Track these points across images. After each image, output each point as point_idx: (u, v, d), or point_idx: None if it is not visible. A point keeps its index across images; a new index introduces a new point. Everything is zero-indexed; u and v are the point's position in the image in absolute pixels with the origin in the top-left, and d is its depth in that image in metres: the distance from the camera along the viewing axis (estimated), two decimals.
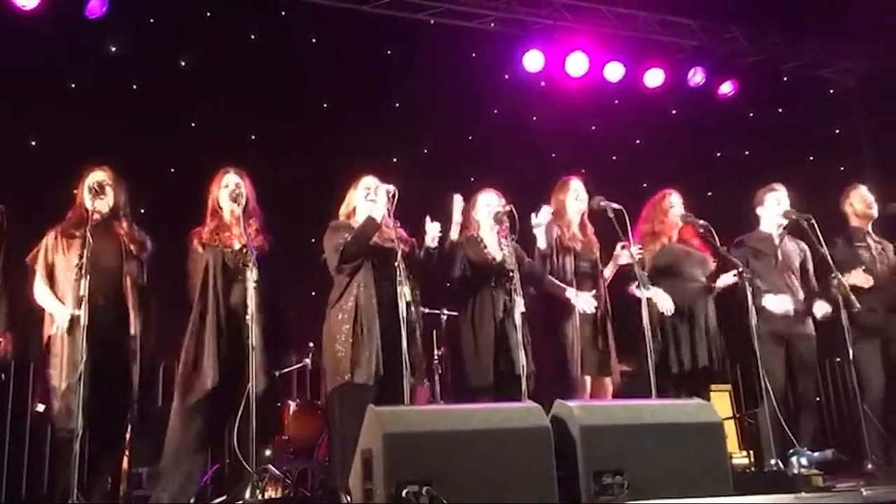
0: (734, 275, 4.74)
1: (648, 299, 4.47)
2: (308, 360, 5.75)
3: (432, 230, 4.25)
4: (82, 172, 4.24)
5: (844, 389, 6.36)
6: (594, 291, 4.63)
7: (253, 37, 6.88)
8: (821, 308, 4.94)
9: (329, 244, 4.29)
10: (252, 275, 3.89)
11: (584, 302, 4.57)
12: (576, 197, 4.85)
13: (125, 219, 4.24)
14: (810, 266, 5.15)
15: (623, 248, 4.63)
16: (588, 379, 4.62)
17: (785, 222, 5.11)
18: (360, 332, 4.09)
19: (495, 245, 4.66)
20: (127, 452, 4.58)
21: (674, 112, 8.06)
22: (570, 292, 4.60)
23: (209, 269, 4.15)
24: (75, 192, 4.29)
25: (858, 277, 5.03)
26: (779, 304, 4.88)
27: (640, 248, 4.71)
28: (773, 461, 4.40)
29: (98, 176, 4.19)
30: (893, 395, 5.07)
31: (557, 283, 4.65)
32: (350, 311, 4.14)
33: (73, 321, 3.89)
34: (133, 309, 4.08)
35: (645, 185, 7.02)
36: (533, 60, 7.48)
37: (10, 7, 5.85)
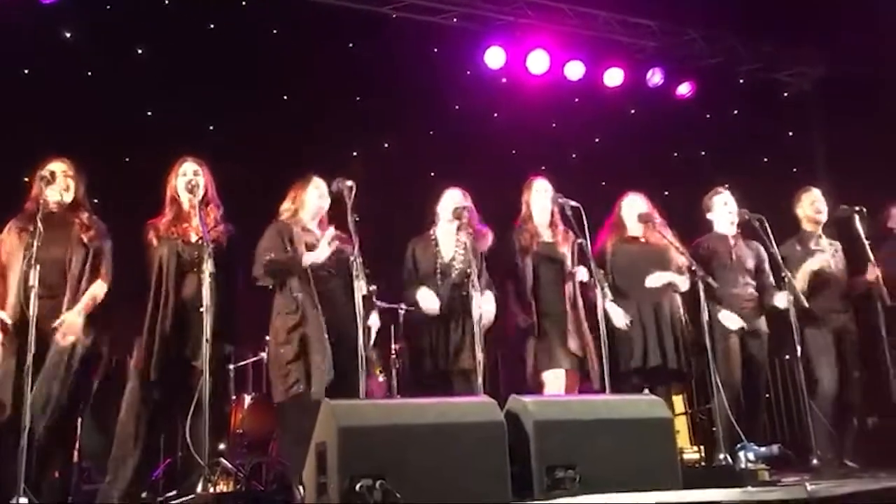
0: (689, 268, 4.79)
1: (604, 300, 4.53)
2: (264, 354, 5.69)
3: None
4: (39, 163, 4.16)
5: (794, 386, 6.49)
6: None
7: (212, 26, 6.80)
8: (781, 300, 4.97)
9: (261, 247, 4.26)
10: (208, 266, 3.85)
11: (523, 323, 4.62)
12: (544, 197, 4.87)
13: (83, 209, 4.18)
14: (766, 266, 5.23)
15: (580, 257, 4.69)
16: (562, 372, 4.61)
17: (737, 221, 5.21)
18: (309, 338, 4.07)
19: (450, 244, 4.66)
20: (77, 445, 4.50)
21: (632, 112, 8.14)
22: (522, 320, 4.64)
23: (162, 262, 4.13)
24: (26, 180, 4.21)
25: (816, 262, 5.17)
26: (731, 321, 4.95)
27: (602, 271, 4.72)
28: (721, 456, 4.49)
29: (53, 165, 4.12)
30: (843, 392, 5.19)
31: (518, 312, 4.68)
32: (296, 317, 4.11)
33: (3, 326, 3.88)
34: (67, 300, 4.00)
35: (603, 183, 7.11)
36: (494, 57, 7.50)
37: None
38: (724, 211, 5.23)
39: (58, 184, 4.10)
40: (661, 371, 4.81)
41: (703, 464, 5.46)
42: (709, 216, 5.32)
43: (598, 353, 4.50)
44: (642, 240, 5.04)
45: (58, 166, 4.13)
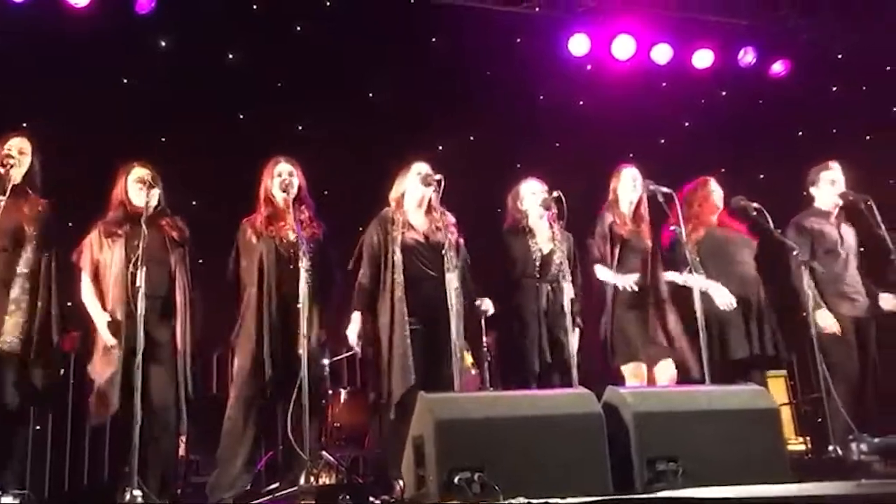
0: (795, 254, 4.63)
1: (702, 291, 4.42)
2: (358, 349, 5.75)
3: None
4: (122, 167, 4.29)
5: None
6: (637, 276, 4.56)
7: (299, 28, 6.90)
8: (888, 302, 4.80)
9: (363, 241, 4.33)
10: (304, 264, 3.92)
11: (623, 280, 4.51)
12: (632, 185, 4.80)
13: (165, 212, 4.29)
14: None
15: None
16: (643, 366, 4.54)
17: (840, 202, 4.99)
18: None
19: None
20: (184, 439, 4.66)
21: (723, 94, 7.89)
22: (612, 276, 4.56)
23: (263, 259, 4.20)
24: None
25: None
26: (827, 321, 4.72)
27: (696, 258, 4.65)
28: (831, 447, 4.32)
29: (142, 171, 4.24)
30: None
31: (604, 271, 4.61)
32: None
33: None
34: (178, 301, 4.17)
35: (694, 167, 6.90)
36: (578, 44, 7.37)
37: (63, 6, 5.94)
38: (829, 189, 5.01)
39: (150, 187, 4.21)
40: (749, 359, 4.69)
41: (810, 456, 5.27)
42: (812, 190, 5.10)
43: (692, 345, 4.41)
44: (725, 226, 4.96)
45: (146, 171, 4.23)
